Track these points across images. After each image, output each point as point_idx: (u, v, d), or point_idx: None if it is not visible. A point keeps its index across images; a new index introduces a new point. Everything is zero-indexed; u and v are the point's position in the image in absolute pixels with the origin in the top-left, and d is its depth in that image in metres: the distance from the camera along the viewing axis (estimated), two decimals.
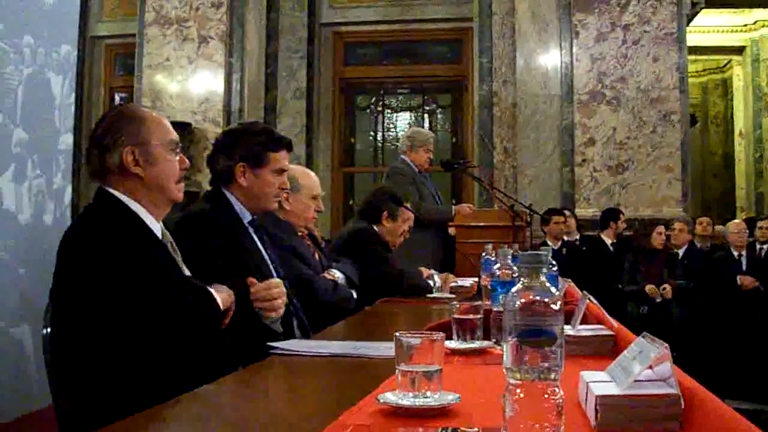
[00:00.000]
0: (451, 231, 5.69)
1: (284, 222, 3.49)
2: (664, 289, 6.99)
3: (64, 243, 2.08)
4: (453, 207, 5.87)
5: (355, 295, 3.66)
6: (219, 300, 2.22)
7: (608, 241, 7.56)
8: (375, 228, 4.33)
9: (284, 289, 2.47)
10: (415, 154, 5.88)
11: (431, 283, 4.26)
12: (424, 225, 5.29)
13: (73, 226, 2.17)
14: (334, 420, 1.31)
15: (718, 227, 8.47)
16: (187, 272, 2.30)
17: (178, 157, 2.28)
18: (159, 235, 2.23)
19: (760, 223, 7.74)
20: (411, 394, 1.38)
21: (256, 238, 2.90)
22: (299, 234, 3.58)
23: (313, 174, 3.74)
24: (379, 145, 9.90)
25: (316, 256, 3.67)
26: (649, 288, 7.00)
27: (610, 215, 7.54)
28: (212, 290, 2.23)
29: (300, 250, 3.45)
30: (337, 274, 3.62)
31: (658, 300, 6.95)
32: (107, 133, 2.19)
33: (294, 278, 3.15)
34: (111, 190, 2.17)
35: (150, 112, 2.31)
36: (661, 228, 7.20)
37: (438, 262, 5.22)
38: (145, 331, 1.98)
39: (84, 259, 2.01)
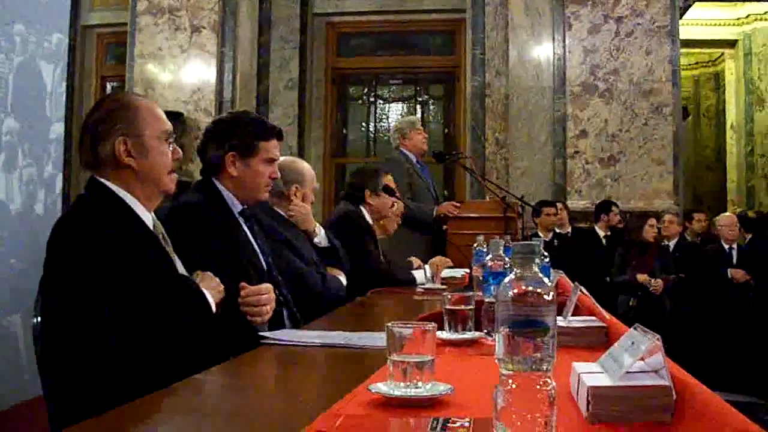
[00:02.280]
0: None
1: (278, 213, 3.48)
2: (656, 282, 6.98)
3: (54, 233, 2.06)
4: (435, 208, 5.74)
5: (344, 281, 3.66)
6: (212, 301, 2.21)
7: (601, 234, 7.57)
8: (362, 209, 4.33)
9: (273, 295, 2.45)
10: (409, 141, 5.84)
11: (420, 273, 4.26)
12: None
13: (65, 217, 2.16)
14: (326, 410, 1.31)
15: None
16: (179, 263, 2.29)
17: (171, 148, 2.26)
18: (150, 225, 2.21)
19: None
20: (403, 385, 1.38)
21: (246, 229, 2.89)
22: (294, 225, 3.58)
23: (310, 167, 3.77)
24: (372, 135, 9.87)
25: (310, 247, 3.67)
26: (641, 277, 6.99)
27: (602, 207, 7.56)
28: (205, 290, 2.22)
29: (293, 243, 3.45)
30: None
31: (651, 288, 6.94)
32: (101, 122, 2.17)
33: (286, 270, 3.15)
34: (103, 181, 2.15)
35: (145, 101, 2.27)
36: (653, 220, 7.20)
37: (428, 254, 5.21)
38: (135, 324, 1.97)
39: (74, 251, 1.99)
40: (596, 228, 7.60)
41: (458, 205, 5.73)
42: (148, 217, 2.21)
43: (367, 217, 4.33)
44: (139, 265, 2.03)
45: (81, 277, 1.96)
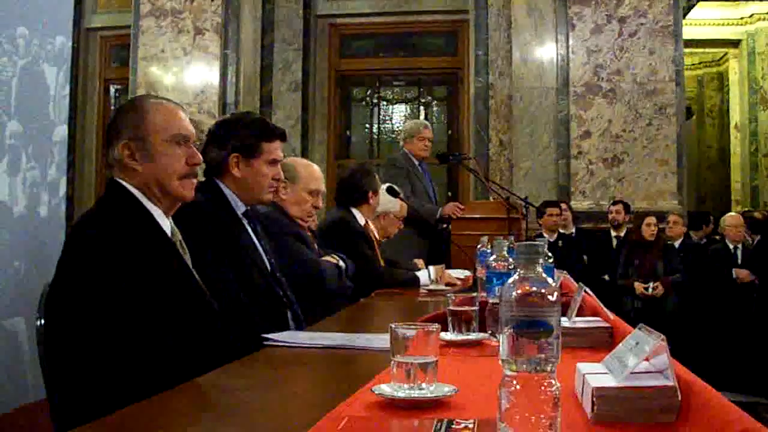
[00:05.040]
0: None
1: (279, 209, 3.48)
2: (655, 287, 6.97)
3: (73, 234, 2.05)
4: (440, 209, 5.80)
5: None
6: None
7: (613, 234, 7.58)
8: (354, 212, 4.30)
9: None
10: (410, 145, 5.98)
11: (424, 274, 4.25)
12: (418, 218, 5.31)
13: (84, 218, 2.12)
14: (330, 411, 1.30)
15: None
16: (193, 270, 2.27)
17: (185, 152, 2.20)
18: (168, 232, 2.19)
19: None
20: (406, 386, 1.38)
21: (249, 230, 2.89)
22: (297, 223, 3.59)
23: (316, 168, 3.74)
24: (375, 137, 9.87)
25: (315, 247, 3.68)
26: (637, 286, 7.00)
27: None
28: None
29: (302, 235, 3.49)
30: (338, 260, 3.64)
31: (651, 293, 6.93)
32: (112, 125, 2.19)
33: (299, 260, 3.18)
34: (122, 182, 2.14)
35: (159, 103, 2.23)
36: (650, 219, 7.18)
37: (429, 254, 5.24)
38: (141, 332, 1.95)
39: (90, 255, 1.97)
40: (612, 230, 7.62)
41: (462, 207, 5.75)
42: (166, 223, 2.18)
43: (360, 220, 4.31)
44: (154, 277, 2.00)
45: (94, 283, 1.93)
